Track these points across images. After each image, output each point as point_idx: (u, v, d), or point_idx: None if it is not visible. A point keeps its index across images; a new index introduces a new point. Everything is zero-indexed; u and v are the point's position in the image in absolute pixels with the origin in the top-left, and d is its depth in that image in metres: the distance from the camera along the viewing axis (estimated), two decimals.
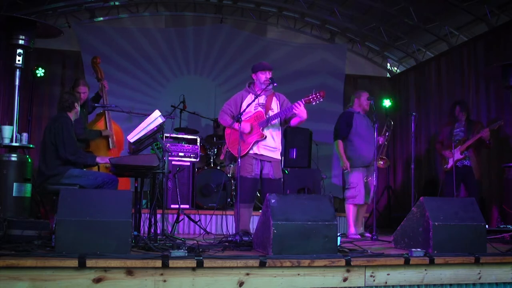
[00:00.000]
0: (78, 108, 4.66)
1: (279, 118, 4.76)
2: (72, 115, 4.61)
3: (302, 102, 4.58)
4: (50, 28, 5.05)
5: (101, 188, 4.28)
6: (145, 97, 8.57)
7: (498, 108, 6.94)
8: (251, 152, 4.66)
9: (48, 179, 4.32)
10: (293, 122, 4.77)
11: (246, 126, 4.65)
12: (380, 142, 5.80)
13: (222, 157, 6.96)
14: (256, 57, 8.93)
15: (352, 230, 5.72)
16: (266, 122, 4.69)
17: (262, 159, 4.70)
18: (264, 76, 4.72)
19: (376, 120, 5.53)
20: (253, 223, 5.48)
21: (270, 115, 4.72)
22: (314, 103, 4.62)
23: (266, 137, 4.69)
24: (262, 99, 4.78)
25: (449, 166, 6.17)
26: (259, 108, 4.75)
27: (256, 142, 4.67)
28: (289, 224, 3.40)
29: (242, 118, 4.62)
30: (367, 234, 5.61)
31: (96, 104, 5.91)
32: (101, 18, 8.72)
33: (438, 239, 3.63)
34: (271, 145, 4.73)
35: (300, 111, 4.57)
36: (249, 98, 4.72)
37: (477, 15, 7.49)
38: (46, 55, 8.29)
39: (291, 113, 4.68)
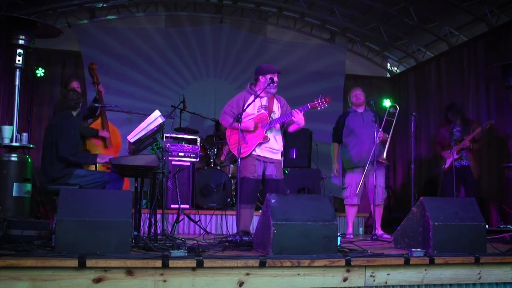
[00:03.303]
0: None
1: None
2: (75, 114, 4.63)
3: (303, 110, 4.61)
4: (50, 28, 5.05)
5: (107, 184, 4.31)
6: (144, 97, 8.54)
7: (498, 108, 6.94)
8: (254, 153, 4.67)
9: (55, 181, 4.32)
10: (292, 128, 4.82)
11: (249, 124, 4.63)
12: (377, 139, 5.42)
13: (223, 158, 6.96)
14: (256, 57, 8.96)
15: (350, 229, 5.73)
16: (269, 125, 4.71)
17: (265, 161, 4.71)
18: (274, 78, 4.71)
19: (377, 119, 5.49)
20: (253, 223, 5.48)
21: (273, 119, 4.75)
22: (319, 108, 4.67)
23: (269, 139, 4.70)
24: (264, 101, 4.79)
25: (446, 166, 6.18)
26: (262, 110, 4.76)
27: (259, 144, 4.68)
28: (289, 224, 3.39)
29: (245, 120, 4.63)
30: (385, 236, 5.36)
31: (96, 104, 5.92)
32: (102, 18, 8.73)
33: (438, 239, 3.63)
34: (274, 147, 4.75)
35: (299, 118, 4.61)
36: (251, 99, 4.71)
37: (477, 15, 7.49)
38: (46, 55, 8.30)
39: (290, 120, 4.72)
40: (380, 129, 5.48)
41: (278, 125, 4.79)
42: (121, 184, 4.38)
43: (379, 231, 5.56)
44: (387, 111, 5.69)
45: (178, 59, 8.94)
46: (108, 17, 8.79)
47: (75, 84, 5.59)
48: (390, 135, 5.58)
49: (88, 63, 6.60)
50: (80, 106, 4.63)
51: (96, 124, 5.82)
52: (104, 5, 8.58)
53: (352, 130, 5.70)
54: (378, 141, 5.42)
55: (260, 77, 4.76)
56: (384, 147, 5.60)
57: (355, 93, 5.84)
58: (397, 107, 5.63)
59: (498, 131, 6.84)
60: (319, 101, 4.64)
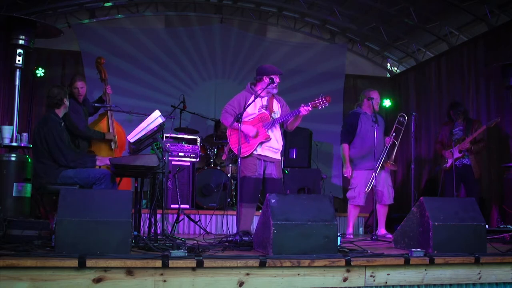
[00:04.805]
0: (67, 103, 4.64)
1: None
2: (61, 111, 4.60)
3: (310, 106, 4.61)
4: (50, 28, 5.05)
5: (95, 185, 4.30)
6: (143, 95, 8.54)
7: (498, 108, 6.93)
8: (255, 153, 4.69)
9: (46, 183, 4.34)
10: (293, 126, 4.86)
11: (252, 130, 4.66)
12: (387, 144, 5.56)
13: (224, 157, 6.96)
14: (255, 57, 8.97)
15: (350, 229, 5.73)
16: (272, 124, 4.72)
17: (265, 160, 4.73)
18: (276, 80, 4.74)
19: (377, 119, 5.49)
20: (253, 223, 5.48)
21: (275, 117, 4.76)
22: (320, 107, 4.69)
23: (271, 138, 4.71)
24: (264, 101, 4.82)
25: (448, 165, 6.17)
26: (263, 110, 4.78)
27: (261, 143, 4.70)
28: (289, 224, 3.40)
29: (246, 120, 4.67)
30: (388, 236, 5.36)
31: (96, 104, 5.92)
32: (102, 18, 8.73)
33: (438, 239, 3.63)
34: (274, 146, 4.77)
35: (306, 111, 4.64)
36: (252, 99, 4.72)
37: (477, 15, 7.49)
38: (46, 55, 8.30)
39: (294, 117, 4.75)
40: (391, 134, 5.59)
41: (278, 125, 4.81)
42: (108, 181, 4.36)
43: (382, 231, 5.57)
44: (397, 119, 5.72)
45: (178, 59, 8.93)
46: (108, 17, 8.78)
47: (79, 84, 5.56)
48: (398, 142, 5.64)
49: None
50: (64, 102, 4.58)
51: (103, 124, 5.82)
52: (104, 5, 8.58)
53: (362, 133, 5.70)
54: (388, 145, 5.52)
55: (265, 77, 4.77)
56: (392, 152, 5.64)
57: (376, 97, 5.73)
58: (406, 116, 5.68)
59: (498, 131, 6.84)
60: (320, 100, 4.66)
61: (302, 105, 4.64)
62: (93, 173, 4.40)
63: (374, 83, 9.72)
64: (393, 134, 5.62)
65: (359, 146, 5.70)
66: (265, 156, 4.72)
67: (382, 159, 5.53)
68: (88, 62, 7.85)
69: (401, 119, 5.68)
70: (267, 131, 4.72)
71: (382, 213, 5.63)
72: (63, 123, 4.63)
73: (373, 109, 5.73)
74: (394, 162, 5.71)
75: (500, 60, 6.04)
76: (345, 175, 5.83)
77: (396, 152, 5.68)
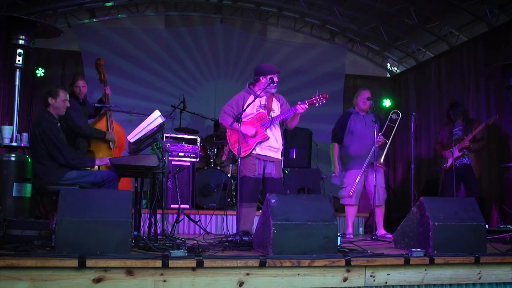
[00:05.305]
0: (56, 102, 4.58)
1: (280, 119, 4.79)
2: (53, 110, 4.57)
3: (306, 104, 4.60)
4: (50, 28, 5.04)
5: (102, 187, 4.29)
6: (143, 95, 8.54)
7: (498, 108, 6.94)
8: (254, 152, 4.68)
9: (46, 184, 4.34)
10: (292, 124, 4.83)
11: (250, 130, 4.65)
12: (376, 144, 5.41)
13: (224, 158, 6.96)
14: (255, 57, 8.97)
15: (349, 229, 5.73)
16: (270, 123, 4.71)
17: (265, 159, 4.72)
18: (274, 79, 4.72)
19: (377, 120, 5.49)
20: (253, 223, 5.47)
21: (273, 116, 4.74)
22: (317, 104, 4.65)
23: (269, 138, 4.70)
24: (263, 100, 4.80)
25: (448, 165, 6.17)
26: (261, 110, 4.77)
27: (259, 143, 4.69)
28: (289, 224, 3.39)
29: (245, 120, 4.65)
30: (388, 236, 5.32)
31: (96, 104, 5.92)
32: (101, 18, 8.73)
33: (438, 239, 3.63)
34: (274, 145, 4.76)
35: (303, 109, 4.60)
36: (251, 99, 4.72)
37: (477, 15, 7.50)
38: (46, 55, 8.31)
39: (292, 115, 4.72)
40: (380, 134, 5.50)
41: (278, 124, 4.79)
42: (115, 184, 4.36)
43: (381, 231, 5.56)
44: (389, 117, 5.64)
45: (180, 59, 8.94)
46: (108, 17, 8.79)
47: (80, 83, 5.55)
48: (389, 141, 5.58)
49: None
50: (48, 101, 4.54)
51: (101, 124, 5.81)
52: (105, 5, 8.59)
53: (354, 132, 5.70)
54: (377, 145, 5.43)
55: (261, 77, 4.76)
56: (383, 152, 5.61)
57: (364, 98, 5.70)
58: (400, 113, 5.60)
59: (498, 130, 6.85)
60: (317, 97, 4.62)
61: (299, 102, 4.61)
62: (100, 174, 4.40)
63: (374, 83, 9.74)
64: (380, 134, 5.48)
65: (349, 146, 5.70)
66: (265, 155, 4.71)
67: (372, 157, 5.46)
68: (88, 62, 7.85)
69: (394, 116, 5.59)
70: (265, 130, 4.70)
71: (377, 214, 5.62)
72: (58, 123, 4.62)
73: (373, 109, 5.73)
74: (384, 162, 5.61)
75: (500, 60, 6.04)
76: (333, 174, 5.85)
77: (395, 152, 5.65)
